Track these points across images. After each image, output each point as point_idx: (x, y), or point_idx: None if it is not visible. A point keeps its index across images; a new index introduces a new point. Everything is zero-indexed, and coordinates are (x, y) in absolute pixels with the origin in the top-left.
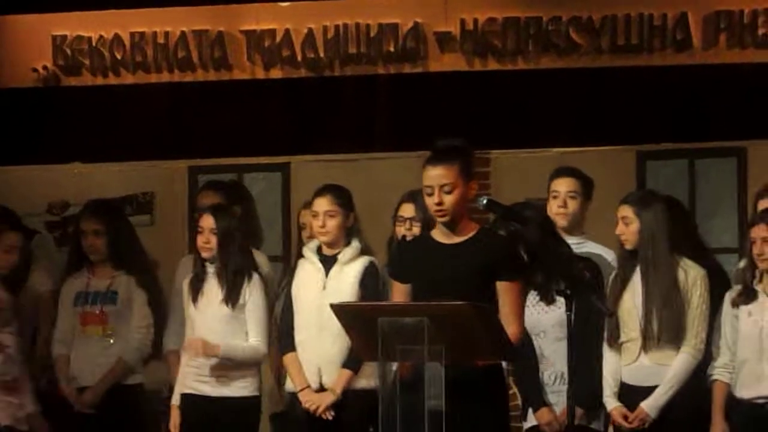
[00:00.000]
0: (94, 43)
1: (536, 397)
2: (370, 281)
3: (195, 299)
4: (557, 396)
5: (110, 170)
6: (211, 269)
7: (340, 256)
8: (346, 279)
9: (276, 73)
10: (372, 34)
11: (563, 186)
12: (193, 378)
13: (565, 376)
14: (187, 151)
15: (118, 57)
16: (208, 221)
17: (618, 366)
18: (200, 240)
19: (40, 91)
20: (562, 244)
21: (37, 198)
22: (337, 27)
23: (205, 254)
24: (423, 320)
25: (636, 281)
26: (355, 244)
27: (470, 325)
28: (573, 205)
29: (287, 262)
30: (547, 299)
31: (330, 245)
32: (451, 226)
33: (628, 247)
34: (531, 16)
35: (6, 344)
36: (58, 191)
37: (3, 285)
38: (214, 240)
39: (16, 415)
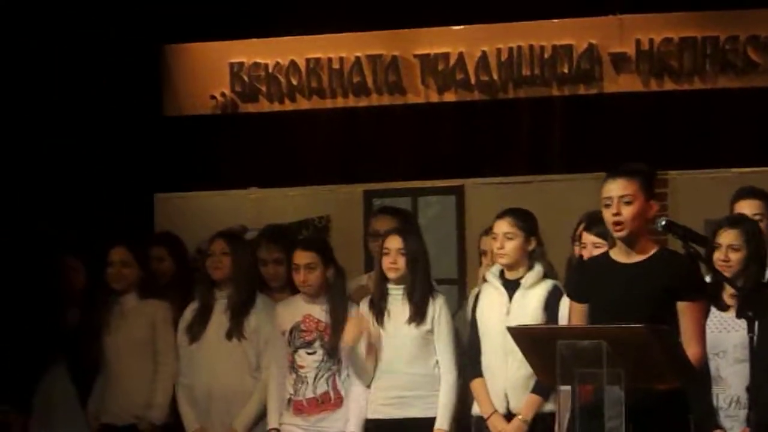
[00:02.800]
0: (270, 70)
1: (709, 421)
2: (554, 305)
3: (379, 320)
4: (732, 421)
5: (286, 195)
6: (395, 291)
7: (522, 281)
8: (529, 303)
9: (450, 97)
10: (546, 56)
11: (748, 208)
12: (380, 402)
13: (742, 400)
14: (362, 175)
15: (294, 83)
16: (395, 242)
17: None
18: (387, 261)
19: (218, 117)
20: None
21: (216, 223)
22: (510, 49)
23: (391, 275)
24: (602, 343)
25: None
26: (538, 268)
27: (650, 348)
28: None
29: (462, 285)
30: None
31: (510, 268)
32: (630, 244)
33: None
34: (708, 36)
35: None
36: (236, 216)
37: None
38: (401, 261)
39: None
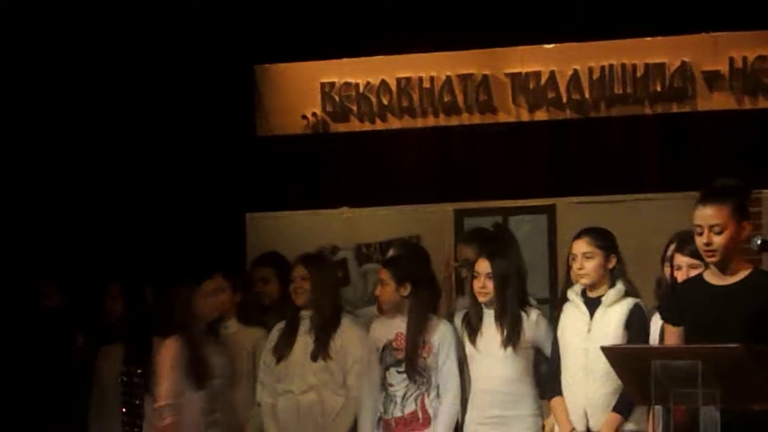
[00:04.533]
0: (361, 90)
1: None
2: (635, 323)
3: (472, 339)
4: None
5: (377, 214)
6: (488, 312)
7: (603, 299)
8: (610, 321)
9: (541, 115)
10: (639, 74)
11: None
12: (478, 421)
13: None
14: (453, 194)
15: (385, 102)
16: (484, 266)
17: None
18: (476, 285)
19: (309, 137)
20: None
21: (307, 243)
22: (602, 68)
23: (481, 299)
24: (697, 363)
25: None
26: (619, 286)
27: (746, 368)
28: None
29: (553, 304)
30: None
31: (591, 287)
32: (723, 267)
33: None
34: None
35: None
36: (327, 236)
37: None
38: (490, 285)
39: None
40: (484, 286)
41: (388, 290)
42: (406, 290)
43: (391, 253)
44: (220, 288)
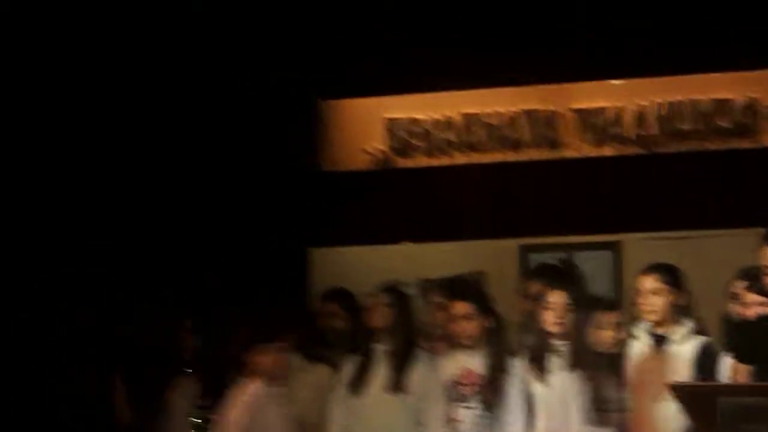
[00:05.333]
0: (425, 125)
1: None
2: (705, 362)
3: (540, 375)
4: None
5: (440, 249)
6: (561, 346)
7: (671, 336)
8: (678, 360)
9: (606, 151)
10: (704, 110)
11: None
12: None
13: None
14: (518, 229)
15: (450, 138)
16: (560, 297)
17: None
18: (551, 316)
19: (372, 173)
20: None
21: (370, 277)
22: (669, 104)
23: (555, 329)
24: (766, 401)
25: None
26: (687, 324)
27: None
28: None
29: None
30: None
31: (658, 324)
32: None
33: None
34: None
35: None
36: (390, 271)
37: None
38: (567, 317)
39: None
40: (561, 317)
41: (475, 324)
42: (489, 323)
43: (457, 287)
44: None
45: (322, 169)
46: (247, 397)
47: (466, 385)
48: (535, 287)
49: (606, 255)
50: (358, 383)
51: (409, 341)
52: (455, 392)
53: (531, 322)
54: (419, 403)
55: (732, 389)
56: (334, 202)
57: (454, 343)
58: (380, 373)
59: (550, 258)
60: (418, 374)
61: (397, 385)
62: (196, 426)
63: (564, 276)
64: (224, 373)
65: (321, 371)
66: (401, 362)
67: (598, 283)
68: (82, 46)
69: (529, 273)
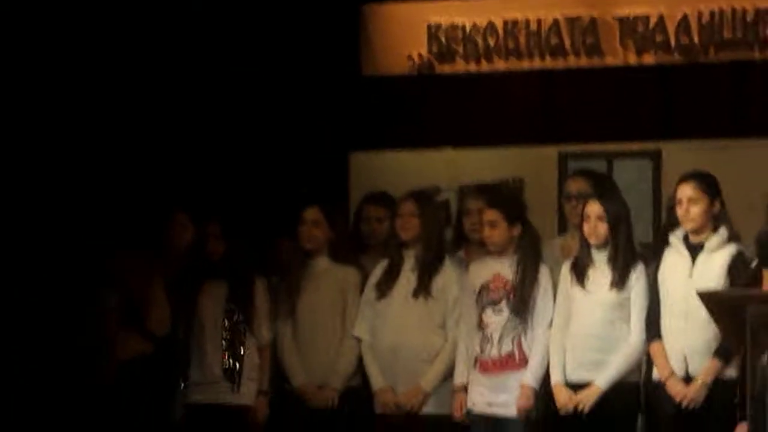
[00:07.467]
0: (467, 31)
1: None
2: (738, 269)
3: (581, 283)
4: None
5: (480, 156)
6: (598, 255)
7: (707, 244)
8: (713, 267)
9: (648, 59)
10: (748, 19)
11: None
12: (575, 364)
13: None
14: (558, 137)
15: (491, 44)
16: (595, 208)
17: None
18: (587, 227)
19: (414, 78)
20: None
21: (409, 183)
22: (712, 12)
23: (593, 241)
24: None
25: None
26: (723, 232)
27: None
28: None
29: (657, 251)
30: None
31: (695, 232)
32: None
33: None
34: None
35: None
36: (430, 176)
37: None
38: (602, 227)
39: None
40: (595, 227)
41: (500, 231)
42: (516, 231)
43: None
44: (316, 220)
45: (364, 74)
46: None
47: (494, 289)
48: (575, 186)
49: (646, 163)
50: (385, 287)
51: (437, 248)
52: (484, 297)
53: (571, 228)
54: (447, 308)
55: (762, 298)
56: (376, 107)
57: (484, 249)
58: (408, 277)
59: (588, 166)
60: (447, 279)
61: (422, 290)
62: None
63: (601, 186)
64: (253, 276)
65: (347, 273)
66: (428, 268)
67: (638, 192)
68: None
69: (567, 178)
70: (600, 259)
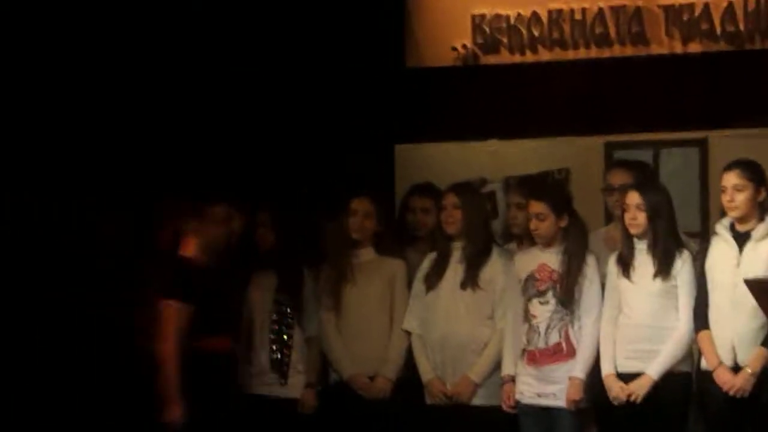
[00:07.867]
0: (512, 22)
1: None
2: None
3: (626, 274)
4: None
5: (526, 147)
6: (640, 245)
7: (753, 233)
8: (760, 255)
9: (694, 48)
10: None
11: None
12: (624, 355)
13: None
14: (604, 126)
15: (536, 34)
16: (634, 198)
17: None
18: (627, 217)
19: (459, 69)
20: None
21: (454, 175)
22: None
23: (633, 231)
24: None
25: None
26: None
27: None
28: None
29: (705, 239)
30: None
31: (741, 221)
32: None
33: None
34: None
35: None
36: (475, 168)
37: None
38: (641, 217)
39: None
40: (634, 218)
41: (548, 224)
42: (564, 222)
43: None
44: (367, 211)
45: (408, 66)
46: None
47: (540, 279)
48: (617, 178)
49: (692, 152)
50: (433, 279)
51: (484, 239)
52: (530, 287)
53: (615, 219)
54: (495, 299)
55: None
56: (420, 98)
57: (531, 240)
58: (455, 269)
59: (635, 156)
60: (494, 270)
61: (470, 281)
62: (275, 321)
63: (641, 175)
64: (302, 267)
65: (393, 265)
66: (475, 260)
67: (684, 181)
68: None
69: (607, 169)
70: (642, 249)
